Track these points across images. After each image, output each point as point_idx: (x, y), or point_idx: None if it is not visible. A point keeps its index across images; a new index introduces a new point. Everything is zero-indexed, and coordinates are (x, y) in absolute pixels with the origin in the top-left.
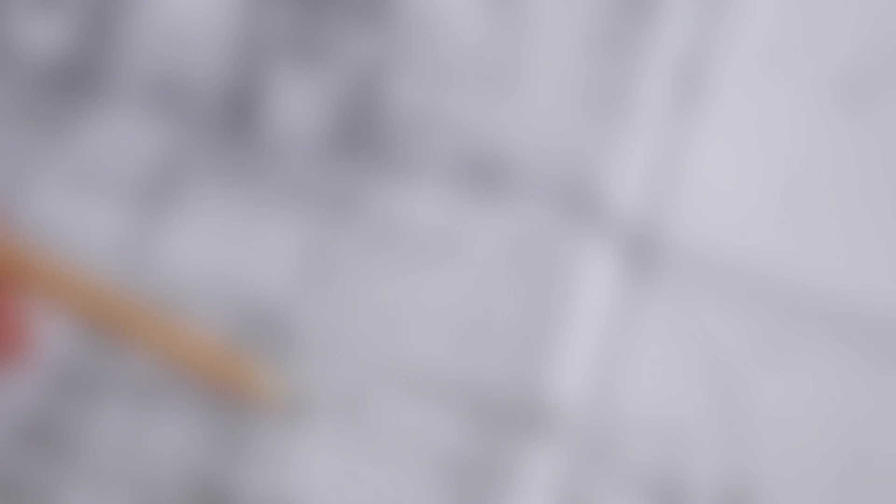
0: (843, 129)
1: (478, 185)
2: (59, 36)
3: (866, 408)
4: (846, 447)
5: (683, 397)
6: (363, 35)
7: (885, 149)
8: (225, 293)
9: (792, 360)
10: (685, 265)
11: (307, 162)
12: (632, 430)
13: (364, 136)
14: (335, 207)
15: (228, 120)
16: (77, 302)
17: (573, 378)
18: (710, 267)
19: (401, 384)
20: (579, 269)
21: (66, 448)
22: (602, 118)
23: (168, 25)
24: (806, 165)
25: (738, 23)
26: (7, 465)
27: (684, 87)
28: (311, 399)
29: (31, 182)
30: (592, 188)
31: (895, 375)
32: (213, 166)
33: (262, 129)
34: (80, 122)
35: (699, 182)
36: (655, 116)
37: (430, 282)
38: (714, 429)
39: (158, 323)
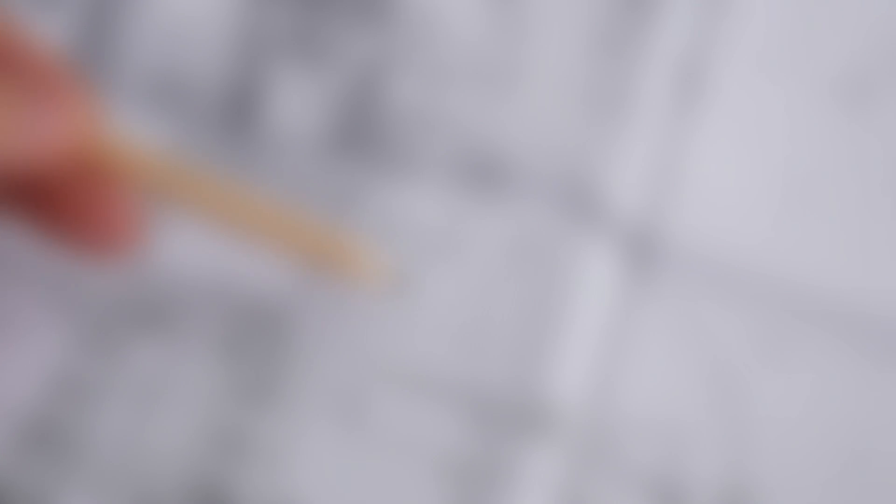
0: (843, 129)
1: (478, 184)
2: (59, 35)
3: (866, 407)
4: (846, 447)
5: (684, 397)
6: (363, 34)
7: (885, 149)
8: (225, 292)
9: (792, 359)
10: (685, 265)
11: (307, 160)
12: (632, 430)
13: (364, 135)
14: (335, 206)
15: (228, 118)
16: (181, 192)
17: (573, 377)
18: (710, 267)
19: (401, 384)
20: (579, 269)
21: (66, 448)
22: (602, 118)
23: (168, 24)
24: (806, 165)
25: (738, 23)
26: (7, 466)
27: (684, 86)
28: (409, 276)
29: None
30: (592, 188)
31: (894, 374)
32: (214, 164)
33: (262, 128)
34: None
35: (699, 182)
36: (655, 116)
37: (429, 281)
38: (714, 428)
39: (263, 205)
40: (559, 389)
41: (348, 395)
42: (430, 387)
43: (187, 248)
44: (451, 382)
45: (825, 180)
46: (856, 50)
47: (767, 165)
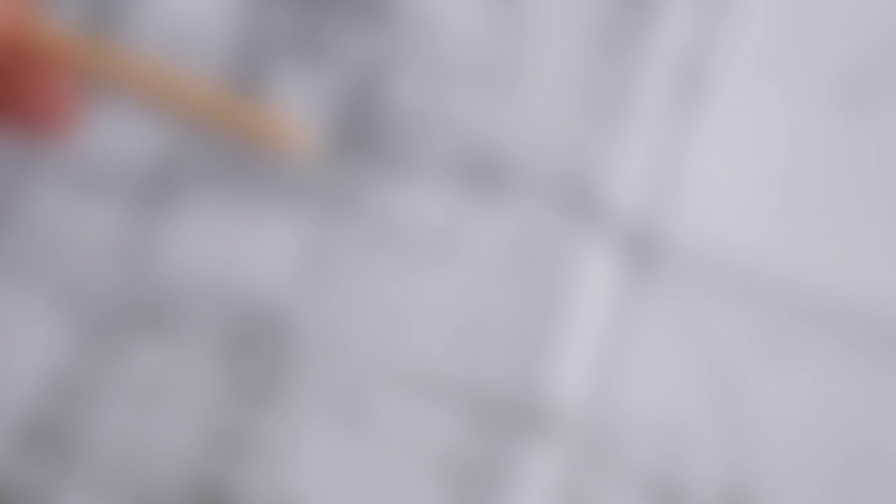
0: (841, 130)
1: (478, 184)
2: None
3: (865, 406)
4: (846, 446)
5: (683, 396)
6: (363, 34)
7: (883, 149)
8: (225, 293)
9: (791, 359)
10: (685, 264)
11: (307, 160)
12: (632, 430)
13: (364, 135)
14: (335, 207)
15: None
16: (117, 75)
17: (573, 377)
18: (709, 266)
19: (401, 384)
20: (579, 269)
21: (66, 448)
22: (602, 117)
23: (169, 24)
24: (805, 165)
25: (737, 24)
26: (7, 466)
27: (684, 86)
28: (329, 137)
29: (32, 182)
30: (592, 187)
31: (894, 374)
32: (213, 166)
33: None
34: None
35: (699, 181)
36: (655, 116)
37: (429, 281)
38: (714, 428)
39: (170, 75)
40: (559, 389)
41: (348, 395)
42: (429, 387)
43: (187, 249)
44: (450, 382)
45: (824, 180)
46: (854, 51)
47: (767, 165)
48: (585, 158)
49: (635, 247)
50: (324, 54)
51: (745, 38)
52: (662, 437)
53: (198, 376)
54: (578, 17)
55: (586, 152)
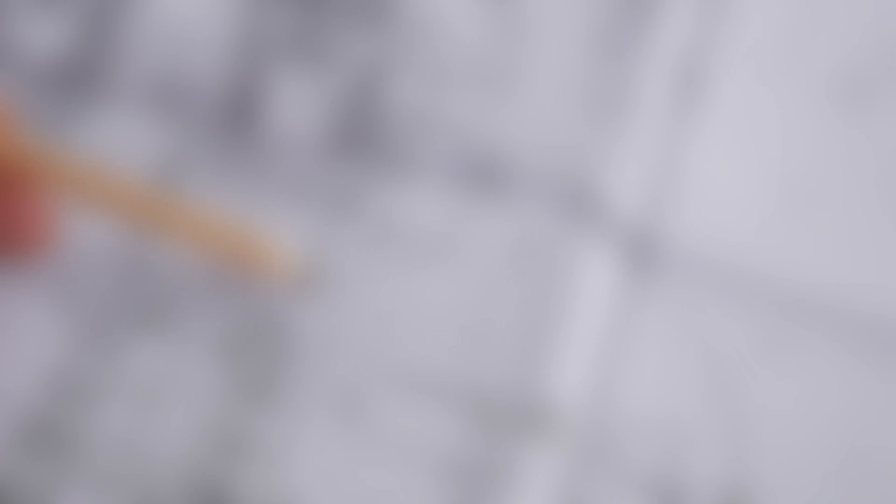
0: (839, 131)
1: (478, 185)
2: (60, 36)
3: (863, 405)
4: (844, 444)
5: (683, 396)
6: (363, 36)
7: (880, 149)
8: (225, 292)
9: (789, 358)
10: (685, 265)
11: (308, 162)
12: (631, 430)
13: (364, 136)
14: (336, 207)
15: (229, 120)
16: (92, 192)
17: (573, 378)
18: (709, 267)
19: (400, 384)
20: (579, 270)
21: (66, 448)
22: (602, 119)
23: (169, 26)
24: (803, 166)
25: (737, 24)
26: (7, 465)
27: (683, 87)
28: (323, 269)
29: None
30: (592, 188)
31: (889, 372)
32: (214, 166)
33: (263, 130)
34: (81, 122)
35: (699, 182)
36: (655, 117)
37: (429, 282)
38: (713, 427)
39: (164, 203)
40: (559, 390)
41: (348, 396)
42: (430, 387)
43: (187, 248)
44: (451, 383)
45: (822, 181)
46: (851, 53)
47: (765, 166)
48: (585, 160)
49: (635, 248)
50: (324, 55)
51: (744, 40)
52: (662, 437)
53: (197, 376)
54: (578, 18)
55: (586, 153)
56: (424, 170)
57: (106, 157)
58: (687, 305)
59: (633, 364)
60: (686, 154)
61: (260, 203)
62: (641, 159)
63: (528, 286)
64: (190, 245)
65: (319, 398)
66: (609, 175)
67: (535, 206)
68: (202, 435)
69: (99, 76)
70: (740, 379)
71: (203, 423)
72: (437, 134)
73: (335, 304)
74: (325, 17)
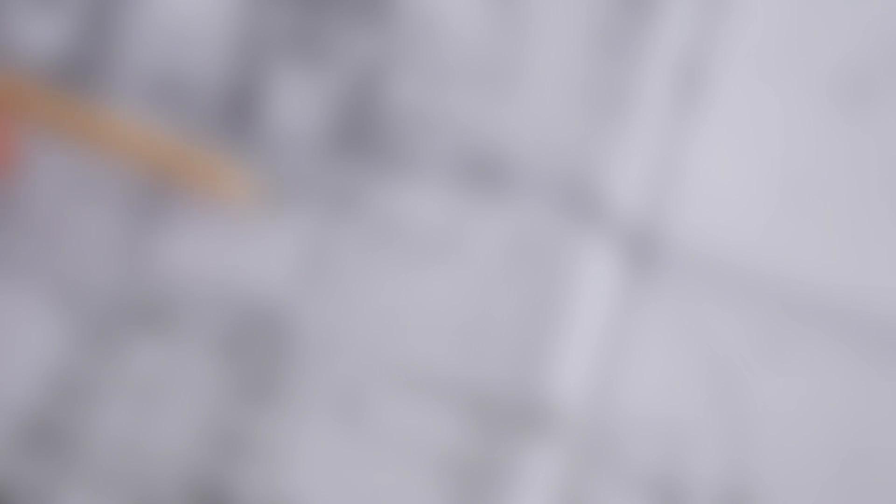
0: (840, 129)
1: (478, 183)
2: (59, 34)
3: (864, 405)
4: (845, 444)
5: (683, 396)
6: (363, 33)
7: (881, 148)
8: (224, 292)
9: (790, 358)
10: (685, 264)
11: (307, 160)
12: (632, 430)
13: (364, 134)
14: (335, 206)
15: (229, 118)
16: (41, 113)
17: (573, 377)
18: (710, 265)
19: (400, 383)
20: (579, 268)
21: (66, 448)
22: (602, 117)
23: (168, 24)
24: (804, 164)
25: (737, 23)
26: (7, 465)
27: (684, 86)
28: (279, 191)
29: (31, 180)
30: (592, 187)
31: (892, 372)
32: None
33: (263, 128)
34: None
35: (699, 181)
36: (655, 115)
37: (430, 280)
38: (714, 427)
39: (117, 124)
40: (559, 389)
41: (348, 395)
42: (429, 386)
43: (187, 248)
44: (451, 381)
45: (823, 180)
46: (852, 52)
47: (766, 165)
48: (586, 158)
49: (635, 246)
50: (324, 53)
51: (745, 38)
52: (663, 437)
53: (197, 375)
54: (578, 17)
55: (586, 152)
56: (425, 167)
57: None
58: (687, 304)
59: (633, 363)
60: (687, 152)
61: (260, 202)
62: (642, 158)
63: (528, 285)
64: (153, 168)
65: (319, 397)
66: (610, 173)
67: (535, 204)
68: (202, 434)
69: (98, 74)
70: (741, 378)
71: (203, 421)
72: (437, 132)
73: (335, 301)
74: (325, 14)
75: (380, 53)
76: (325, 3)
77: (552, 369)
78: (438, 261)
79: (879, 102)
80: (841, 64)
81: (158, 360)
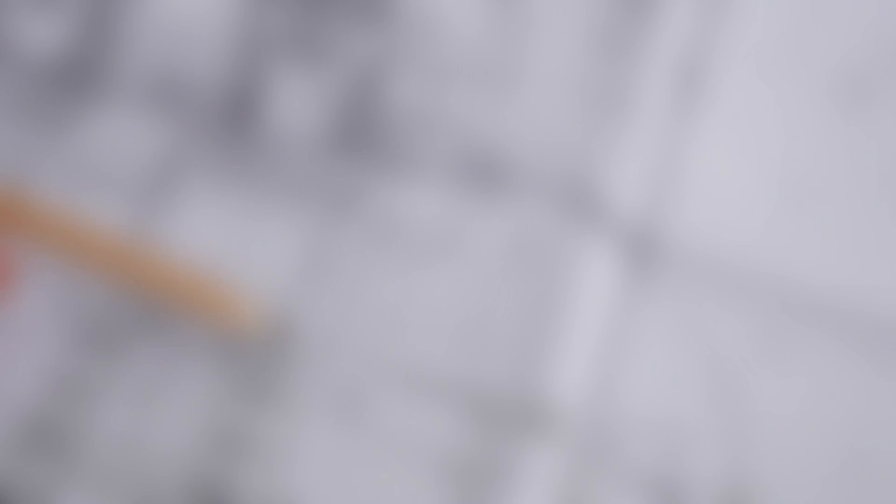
0: (840, 129)
1: (478, 183)
2: (59, 34)
3: (864, 405)
4: (845, 444)
5: (683, 396)
6: (363, 33)
7: (881, 148)
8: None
9: (790, 357)
10: (685, 264)
11: (307, 160)
12: (632, 429)
13: (364, 134)
14: (335, 206)
15: (228, 118)
16: (57, 238)
17: (573, 376)
18: (710, 265)
19: (400, 383)
20: (579, 268)
21: (66, 448)
22: (602, 117)
23: (168, 24)
24: (804, 164)
25: (737, 23)
26: (7, 464)
27: (684, 86)
28: (293, 327)
29: (32, 179)
30: (593, 187)
31: (892, 372)
32: (213, 164)
33: (263, 128)
34: (80, 120)
35: (699, 181)
36: (655, 115)
37: (430, 280)
38: (714, 427)
39: (132, 253)
40: (559, 388)
41: (348, 395)
42: (429, 386)
43: (187, 247)
44: (451, 381)
45: (823, 179)
46: (852, 52)
47: (766, 165)
48: (586, 158)
49: (635, 246)
50: (324, 53)
51: (745, 38)
52: (663, 436)
53: (197, 376)
54: (578, 17)
55: (586, 152)
56: (425, 167)
57: (72, 205)
58: (687, 304)
59: (633, 362)
60: (687, 152)
61: (260, 200)
62: (642, 157)
63: (528, 284)
64: (155, 294)
65: (319, 396)
66: (610, 173)
67: (535, 204)
68: (202, 433)
69: (98, 73)
70: (741, 378)
71: (203, 421)
72: (437, 131)
73: (335, 301)
74: (324, 14)
75: (380, 53)
76: (325, 3)
77: (552, 369)
78: (439, 260)
79: (879, 103)
80: (840, 64)
81: (159, 360)
